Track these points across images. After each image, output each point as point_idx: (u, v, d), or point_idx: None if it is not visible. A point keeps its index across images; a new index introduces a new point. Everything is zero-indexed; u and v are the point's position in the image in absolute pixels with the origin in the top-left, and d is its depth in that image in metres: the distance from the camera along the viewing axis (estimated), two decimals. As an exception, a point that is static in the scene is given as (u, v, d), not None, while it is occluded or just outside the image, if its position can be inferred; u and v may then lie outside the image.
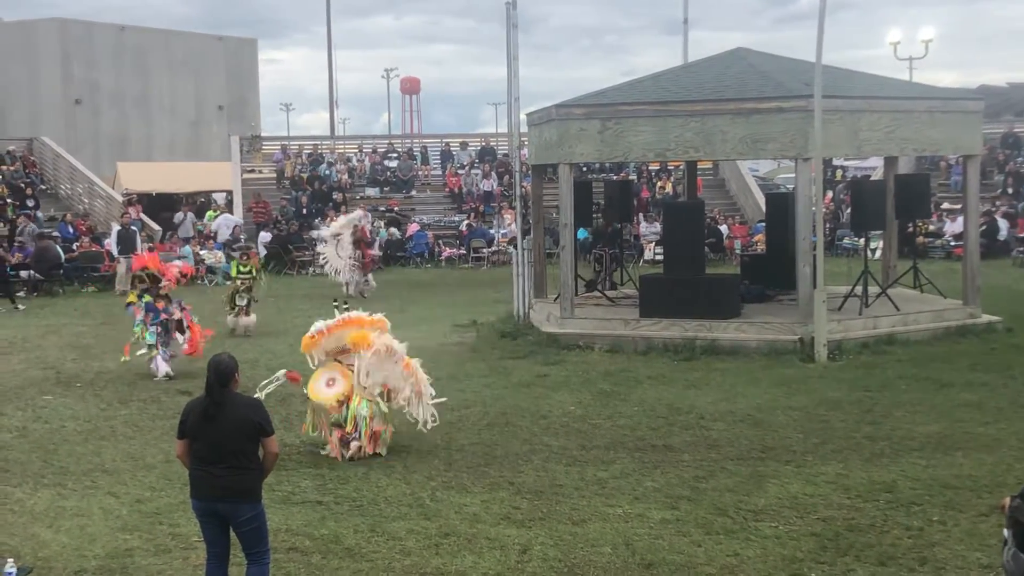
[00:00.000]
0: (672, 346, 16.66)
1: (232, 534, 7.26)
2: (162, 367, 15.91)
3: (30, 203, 33.37)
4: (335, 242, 25.88)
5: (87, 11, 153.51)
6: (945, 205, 33.45)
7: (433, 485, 10.25)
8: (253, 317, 20.04)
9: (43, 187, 36.68)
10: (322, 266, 27.24)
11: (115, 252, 28.19)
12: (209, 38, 62.02)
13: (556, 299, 18.83)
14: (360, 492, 10.06)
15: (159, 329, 16.05)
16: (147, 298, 16.15)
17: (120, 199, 36.12)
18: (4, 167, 35.03)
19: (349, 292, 25.30)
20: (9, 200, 32.65)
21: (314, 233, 30.02)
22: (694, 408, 13.09)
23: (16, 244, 28.24)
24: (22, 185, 34.32)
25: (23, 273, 26.85)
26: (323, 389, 11.53)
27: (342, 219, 27.08)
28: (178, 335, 16.27)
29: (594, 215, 25.02)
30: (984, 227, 26.79)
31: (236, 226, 34.44)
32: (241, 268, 20.41)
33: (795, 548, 8.41)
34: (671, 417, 12.70)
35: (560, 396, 13.96)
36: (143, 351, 16.04)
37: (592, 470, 10.61)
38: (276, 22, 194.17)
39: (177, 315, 16.28)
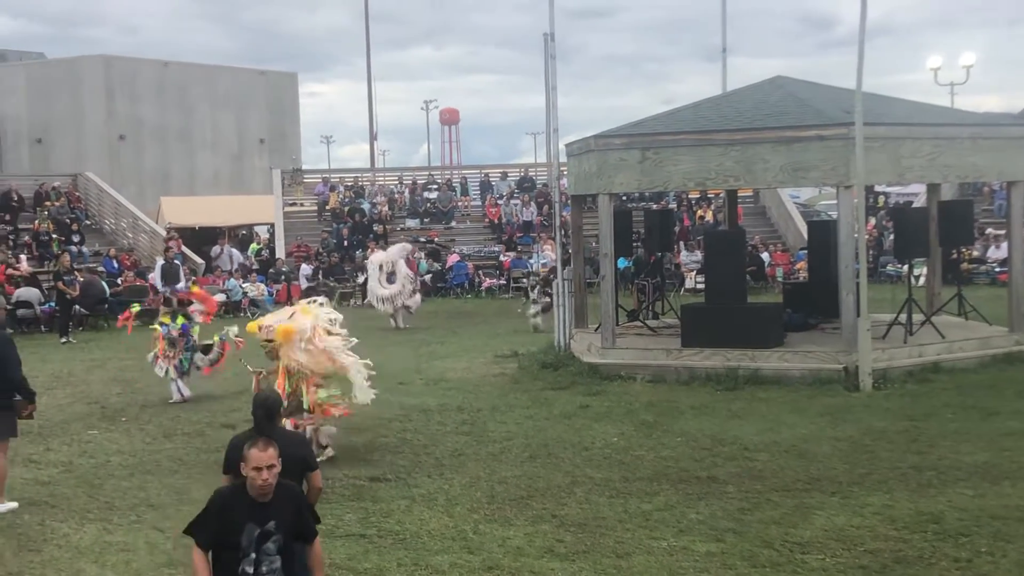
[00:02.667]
0: (715, 376, 16.57)
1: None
2: (179, 392, 16.79)
3: (75, 238, 33.73)
4: (383, 273, 26.19)
5: (131, 48, 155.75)
6: (989, 231, 33.16)
7: (476, 518, 10.23)
8: None
9: (88, 222, 37.07)
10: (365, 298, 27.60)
11: (159, 286, 28.37)
12: (251, 72, 62.59)
13: (597, 329, 18.78)
14: (403, 525, 10.05)
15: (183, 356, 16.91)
16: (180, 320, 16.95)
17: (164, 233, 36.47)
18: (49, 203, 35.42)
19: (398, 325, 25.56)
20: (54, 235, 33.01)
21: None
22: (738, 439, 12.99)
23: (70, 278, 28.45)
24: (67, 220, 34.70)
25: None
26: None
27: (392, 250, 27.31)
28: (200, 354, 16.97)
29: (635, 244, 25.03)
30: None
31: (279, 259, 34.71)
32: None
33: (842, 581, 8.32)
34: (714, 448, 12.62)
35: (602, 427, 13.90)
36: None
37: (636, 502, 10.55)
38: (317, 55, 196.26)
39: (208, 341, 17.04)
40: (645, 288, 23.20)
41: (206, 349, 17.07)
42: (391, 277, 26.43)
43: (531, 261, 35.08)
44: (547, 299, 24.83)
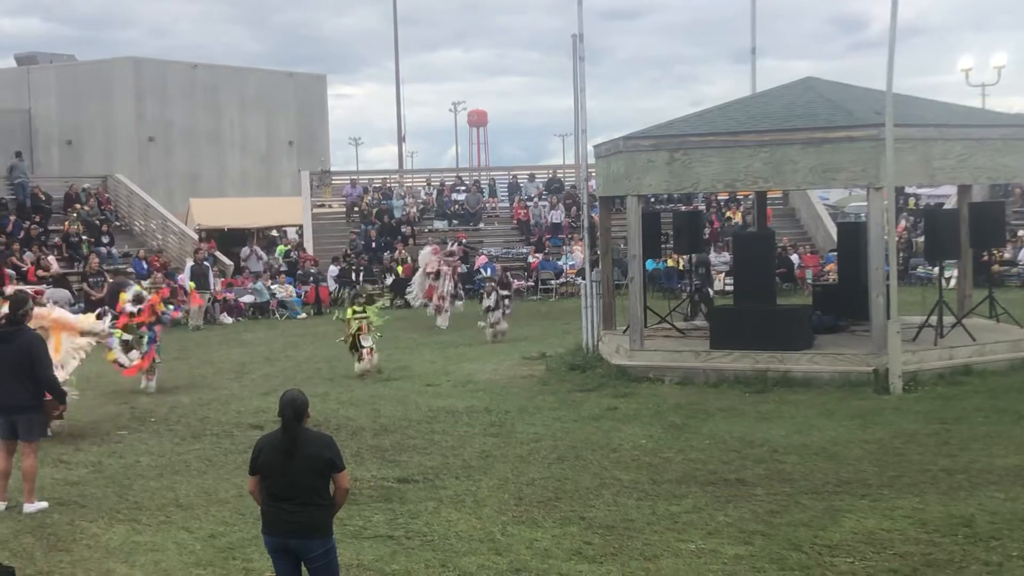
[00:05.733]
0: (743, 378, 16.50)
1: (304, 569, 7.27)
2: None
3: (105, 239, 33.92)
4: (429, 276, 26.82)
5: (161, 50, 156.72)
6: (1021, 233, 32.94)
7: (504, 520, 10.21)
8: (375, 357, 19.05)
9: (117, 223, 37.29)
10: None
11: (188, 288, 28.48)
12: (280, 74, 62.78)
13: (625, 331, 18.74)
14: (431, 527, 10.04)
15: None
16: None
17: (193, 235, 36.66)
18: (79, 205, 35.64)
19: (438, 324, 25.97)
20: (84, 237, 33.20)
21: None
22: (767, 441, 12.93)
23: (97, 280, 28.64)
24: (97, 222, 34.89)
25: (97, 309, 27.18)
26: None
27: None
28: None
29: (664, 246, 25.01)
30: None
31: (306, 260, 34.82)
32: (356, 310, 19.27)
33: (872, 585, 8.26)
34: (743, 450, 12.56)
35: (630, 429, 13.86)
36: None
37: (664, 504, 10.51)
38: (346, 57, 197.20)
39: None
40: (702, 288, 23.33)
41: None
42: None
43: (560, 262, 35.13)
44: (506, 303, 24.27)
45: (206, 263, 29.81)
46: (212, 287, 29.56)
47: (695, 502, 10.56)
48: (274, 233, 42.77)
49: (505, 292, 24.45)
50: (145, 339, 18.27)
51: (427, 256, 27.38)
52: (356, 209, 39.68)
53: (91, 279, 27.40)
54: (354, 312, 19.20)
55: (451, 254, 27.58)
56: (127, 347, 18.19)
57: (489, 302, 23.93)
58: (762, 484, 11.11)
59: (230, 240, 39.89)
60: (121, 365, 18.12)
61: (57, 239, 33.01)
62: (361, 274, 33.78)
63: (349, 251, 35.79)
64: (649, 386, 16.69)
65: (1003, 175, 18.96)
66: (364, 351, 18.83)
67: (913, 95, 19.64)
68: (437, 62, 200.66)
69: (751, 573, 8.58)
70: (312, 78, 65.04)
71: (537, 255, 35.95)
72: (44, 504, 11.11)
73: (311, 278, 32.82)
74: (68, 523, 10.58)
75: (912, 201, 38.95)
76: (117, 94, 55.08)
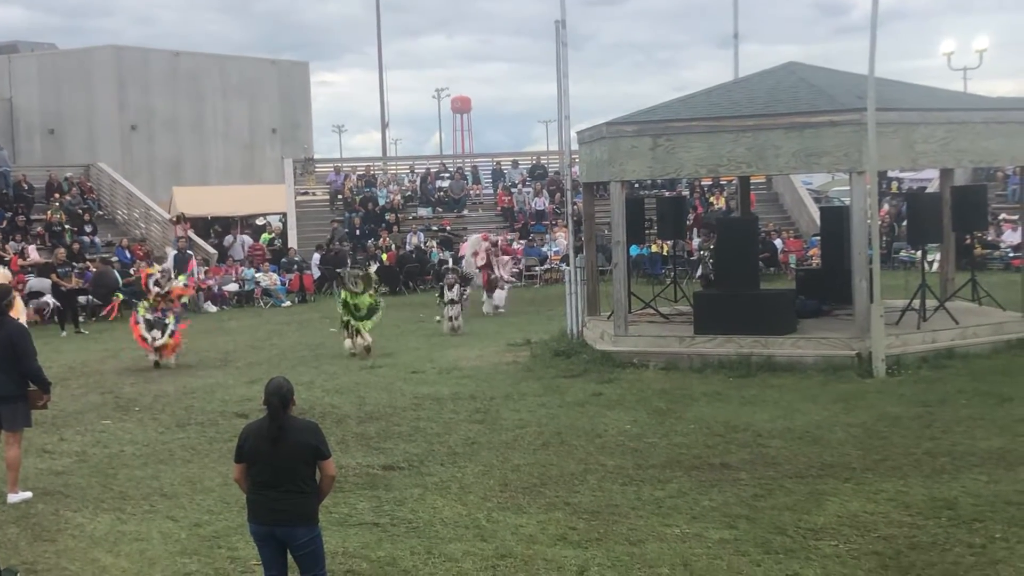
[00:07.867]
0: (727, 363, 16.53)
1: (290, 557, 7.28)
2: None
3: (88, 228, 33.78)
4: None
5: (143, 38, 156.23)
6: (1003, 216, 33.05)
7: (489, 506, 10.22)
8: (369, 338, 19.82)
9: (100, 212, 37.13)
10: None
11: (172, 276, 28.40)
12: (262, 62, 62.56)
13: (609, 317, 18.76)
14: (416, 514, 10.05)
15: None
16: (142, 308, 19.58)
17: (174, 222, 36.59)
18: (60, 195, 35.48)
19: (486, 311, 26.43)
20: (67, 226, 33.06)
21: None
22: (751, 425, 12.97)
23: (78, 269, 28.53)
24: (79, 211, 34.75)
25: (80, 298, 27.14)
26: None
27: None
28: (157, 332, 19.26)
29: (649, 232, 25.05)
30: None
31: (291, 248, 34.77)
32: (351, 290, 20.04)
33: (856, 567, 8.29)
34: (728, 435, 12.59)
35: (615, 415, 13.88)
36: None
37: (648, 489, 10.54)
38: (329, 45, 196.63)
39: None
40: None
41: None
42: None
43: (544, 249, 35.16)
44: (466, 299, 23.99)
45: (188, 252, 29.72)
46: (195, 275, 29.48)
47: (680, 487, 10.59)
48: (260, 222, 42.70)
49: (465, 288, 24.19)
50: (173, 320, 19.42)
51: (476, 243, 28.01)
52: (340, 197, 39.62)
53: (59, 270, 27.34)
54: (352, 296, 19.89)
55: (494, 244, 27.91)
56: (149, 325, 19.27)
57: (452, 295, 23.32)
58: (746, 468, 11.14)
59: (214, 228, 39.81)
60: (144, 340, 19.24)
61: (40, 228, 32.88)
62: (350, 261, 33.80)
63: (332, 239, 35.65)
64: (633, 372, 16.71)
65: (985, 159, 18.98)
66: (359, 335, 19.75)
67: (895, 79, 19.67)
68: (420, 48, 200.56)
69: (736, 557, 8.61)
70: (295, 65, 64.85)
71: (521, 242, 35.98)
72: (28, 494, 11.08)
73: (295, 266, 32.76)
74: (53, 513, 10.56)
75: (895, 185, 39.05)
76: (99, 83, 54.84)
